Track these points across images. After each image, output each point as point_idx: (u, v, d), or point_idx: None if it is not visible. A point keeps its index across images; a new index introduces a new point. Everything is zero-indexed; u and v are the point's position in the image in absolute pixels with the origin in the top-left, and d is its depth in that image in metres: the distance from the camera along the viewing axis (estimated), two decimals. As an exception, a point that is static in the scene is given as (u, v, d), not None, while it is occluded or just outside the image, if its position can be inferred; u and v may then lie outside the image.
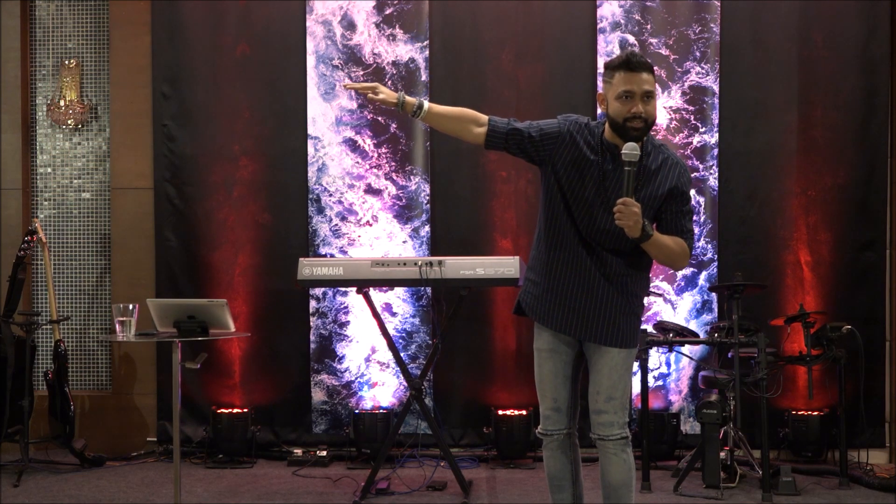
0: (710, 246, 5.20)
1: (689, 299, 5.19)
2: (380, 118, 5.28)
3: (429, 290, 5.16)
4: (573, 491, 3.10)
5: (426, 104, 3.06)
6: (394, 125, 5.27)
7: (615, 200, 2.80)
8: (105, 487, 4.55)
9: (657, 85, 5.15)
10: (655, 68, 5.13)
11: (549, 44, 5.26)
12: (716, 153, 5.21)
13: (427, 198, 5.27)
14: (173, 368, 3.76)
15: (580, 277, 2.96)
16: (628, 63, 2.84)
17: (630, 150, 2.80)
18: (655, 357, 5.11)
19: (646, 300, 5.11)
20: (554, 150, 2.92)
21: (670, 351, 4.88)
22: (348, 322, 5.27)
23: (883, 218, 5.18)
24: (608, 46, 5.24)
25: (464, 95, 5.26)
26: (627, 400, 3.03)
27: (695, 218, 5.16)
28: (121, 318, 3.77)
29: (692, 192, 5.12)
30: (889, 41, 5.17)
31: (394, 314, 5.24)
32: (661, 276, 5.20)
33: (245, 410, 5.16)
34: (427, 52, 5.28)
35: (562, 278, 2.97)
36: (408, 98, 3.05)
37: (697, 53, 5.21)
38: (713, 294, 5.14)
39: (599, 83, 5.23)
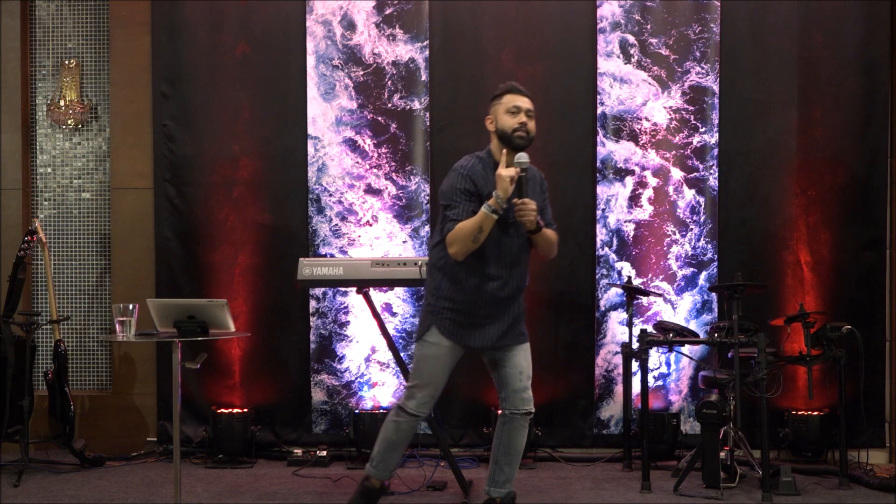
0: (710, 246, 5.20)
1: (689, 299, 5.19)
2: (380, 118, 5.28)
3: (429, 290, 5.15)
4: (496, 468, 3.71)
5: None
6: (394, 125, 5.27)
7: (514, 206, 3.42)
8: (105, 487, 4.55)
9: (657, 84, 5.20)
10: (655, 68, 5.21)
11: (549, 44, 5.26)
12: (716, 153, 5.21)
13: (427, 198, 5.27)
14: (173, 368, 3.76)
15: (497, 297, 3.52)
16: (515, 88, 3.57)
17: (521, 158, 3.44)
18: (655, 357, 5.11)
19: (645, 300, 5.16)
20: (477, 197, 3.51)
21: (670, 351, 4.88)
22: (348, 322, 5.27)
23: (883, 218, 5.18)
24: (608, 46, 5.24)
25: (464, 95, 5.27)
26: None
27: (694, 218, 5.19)
28: (121, 318, 3.77)
29: (692, 191, 5.15)
30: (889, 41, 5.17)
31: (394, 314, 5.24)
32: (661, 277, 5.20)
33: (245, 410, 5.16)
34: (427, 52, 5.28)
35: (482, 300, 3.51)
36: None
37: (697, 53, 5.21)
38: (713, 294, 5.14)
39: (598, 83, 5.23)
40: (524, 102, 3.54)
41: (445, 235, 3.49)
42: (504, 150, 3.51)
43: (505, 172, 3.38)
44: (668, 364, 5.19)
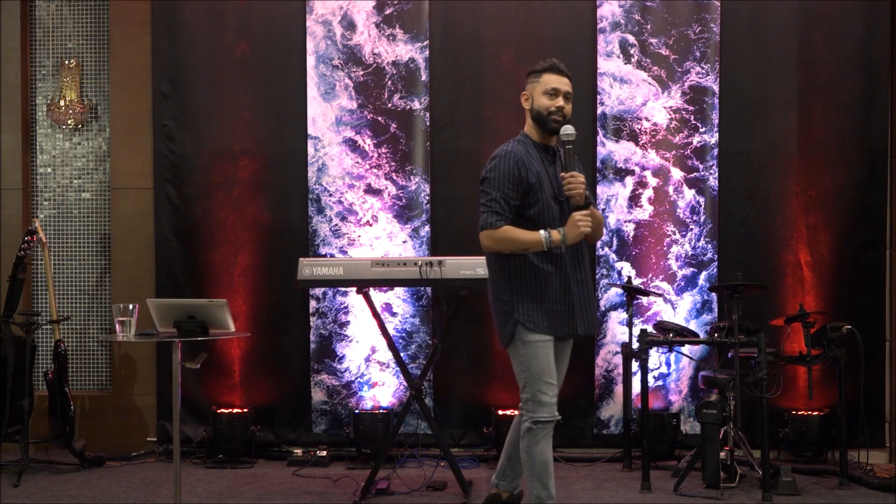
0: (710, 246, 5.20)
1: (689, 299, 5.19)
2: (380, 118, 5.28)
3: (429, 290, 5.16)
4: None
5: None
6: (394, 125, 5.27)
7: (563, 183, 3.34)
8: (105, 487, 4.55)
9: (657, 84, 5.20)
10: (655, 68, 5.21)
11: (549, 44, 5.26)
12: (716, 153, 5.21)
13: (427, 198, 5.27)
14: (173, 368, 3.76)
15: (570, 280, 3.38)
16: (556, 67, 3.45)
17: (567, 130, 3.36)
18: (655, 357, 5.11)
19: (645, 300, 5.16)
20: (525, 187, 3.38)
21: (670, 351, 4.88)
22: (348, 322, 5.27)
23: (883, 218, 5.18)
24: (608, 46, 5.24)
25: (464, 95, 5.27)
26: None
27: (694, 218, 5.19)
28: (121, 318, 3.77)
29: (692, 191, 5.14)
30: (889, 41, 5.17)
31: (394, 314, 5.24)
32: (661, 277, 5.20)
33: (245, 410, 5.16)
34: (427, 52, 5.28)
35: (557, 287, 3.36)
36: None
37: (697, 53, 5.21)
38: (713, 294, 5.14)
39: (598, 83, 5.23)
40: (563, 84, 3.43)
41: (484, 224, 3.34)
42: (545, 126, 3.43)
43: (583, 224, 3.27)
44: (668, 364, 5.19)
